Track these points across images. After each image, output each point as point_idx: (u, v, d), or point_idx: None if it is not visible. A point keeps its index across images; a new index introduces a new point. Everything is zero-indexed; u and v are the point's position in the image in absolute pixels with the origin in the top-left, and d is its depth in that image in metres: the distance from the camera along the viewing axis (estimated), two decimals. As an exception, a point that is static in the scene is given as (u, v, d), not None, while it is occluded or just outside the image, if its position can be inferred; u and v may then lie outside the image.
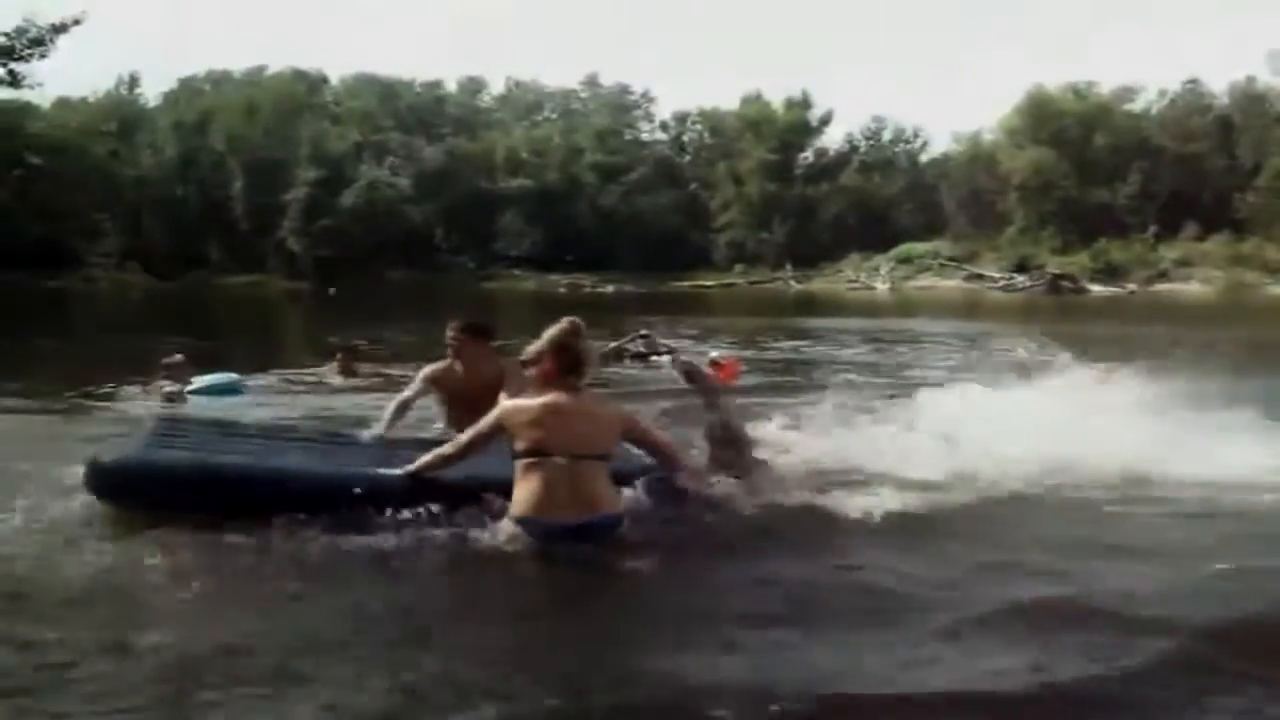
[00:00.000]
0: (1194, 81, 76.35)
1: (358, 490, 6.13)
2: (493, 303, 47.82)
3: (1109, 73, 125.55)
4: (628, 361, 18.96)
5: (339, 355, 15.49)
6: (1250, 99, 73.43)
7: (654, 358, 19.16)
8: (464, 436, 6.21)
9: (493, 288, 67.35)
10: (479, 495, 6.16)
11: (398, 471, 6.23)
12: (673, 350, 19.43)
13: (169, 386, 13.05)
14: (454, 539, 5.93)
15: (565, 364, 6.08)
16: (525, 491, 5.88)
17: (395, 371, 14.05)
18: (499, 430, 6.05)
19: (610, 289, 67.15)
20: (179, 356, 13.41)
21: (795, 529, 6.68)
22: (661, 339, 20.15)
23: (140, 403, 12.90)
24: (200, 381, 13.30)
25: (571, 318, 6.27)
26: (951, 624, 4.99)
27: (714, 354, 17.18)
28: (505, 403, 6.36)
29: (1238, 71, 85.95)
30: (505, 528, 5.92)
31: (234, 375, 13.91)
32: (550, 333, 6.16)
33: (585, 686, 4.35)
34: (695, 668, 4.56)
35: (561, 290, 66.73)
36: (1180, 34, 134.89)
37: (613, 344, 19.86)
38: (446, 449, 6.23)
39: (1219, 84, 76.43)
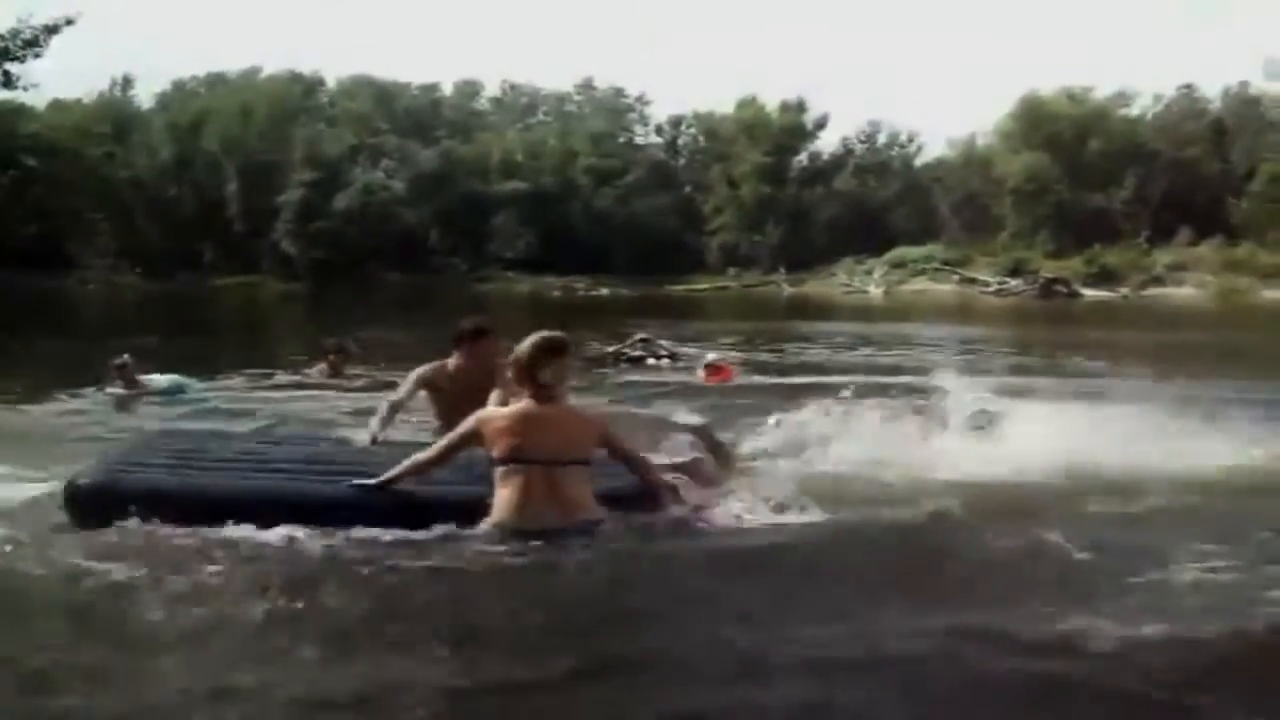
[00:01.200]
0: (1188, 86, 76.49)
1: (337, 504, 6.14)
2: (486, 305, 47.75)
3: (1104, 77, 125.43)
4: (623, 365, 19.00)
5: (328, 355, 15.40)
6: (1244, 104, 73.62)
7: (651, 361, 19.21)
8: (439, 444, 6.22)
9: (487, 290, 67.14)
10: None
11: (371, 482, 6.17)
12: (672, 354, 19.51)
13: (111, 388, 13.17)
14: (433, 546, 5.87)
15: (534, 379, 6.11)
16: (505, 497, 5.91)
17: (384, 374, 13.95)
18: (475, 437, 6.08)
19: (604, 292, 66.96)
20: (126, 357, 13.39)
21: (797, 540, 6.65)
22: (661, 342, 20.20)
23: (90, 402, 12.99)
24: (146, 382, 13.37)
25: (545, 334, 6.27)
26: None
27: (710, 357, 17.24)
28: (481, 411, 6.36)
29: (1232, 77, 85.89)
30: (485, 533, 5.91)
31: (180, 378, 13.93)
32: (521, 347, 6.19)
33: (572, 695, 4.33)
34: (678, 677, 4.57)
35: (555, 293, 66.58)
36: (1175, 38, 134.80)
37: (611, 348, 19.93)
38: (421, 456, 6.20)
39: (1213, 89, 76.76)
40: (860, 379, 16.98)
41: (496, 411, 6.18)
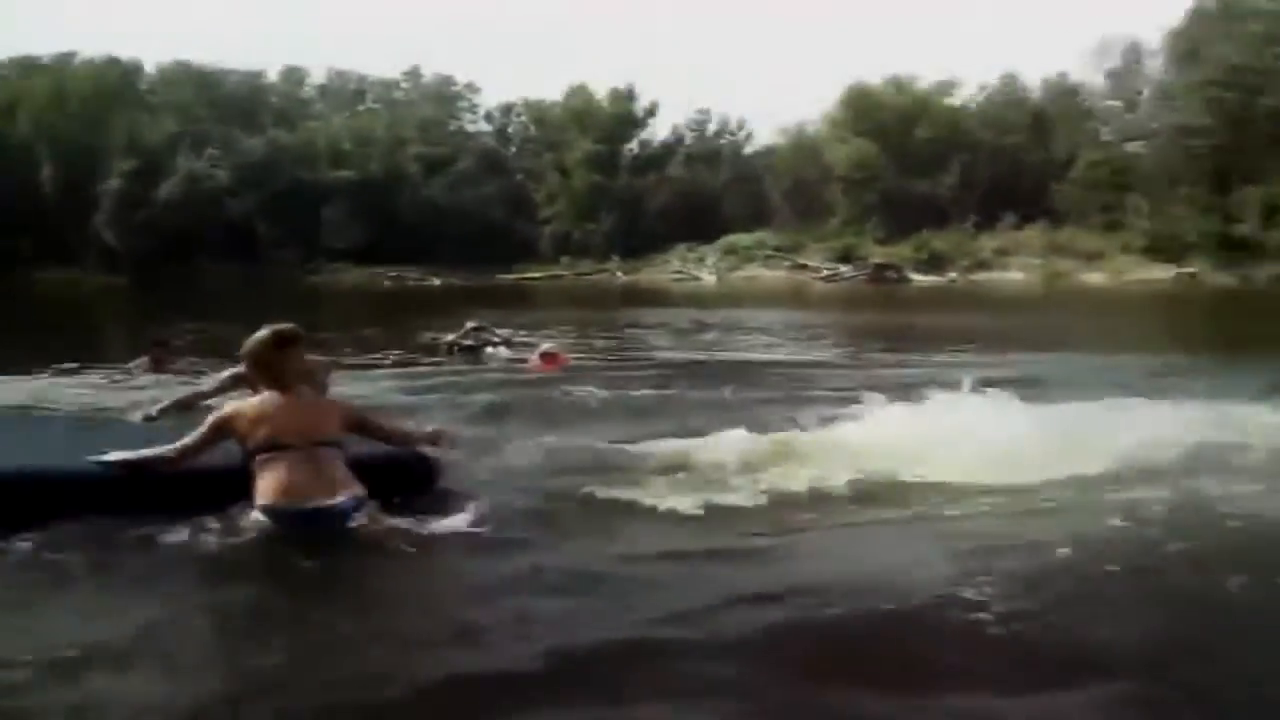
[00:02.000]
0: (1010, 76, 78.51)
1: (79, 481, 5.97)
2: (316, 297, 47.07)
3: (929, 66, 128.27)
4: (458, 354, 18.78)
5: (151, 349, 14.81)
6: (1064, 93, 75.70)
7: (488, 350, 19.01)
8: (180, 443, 6.12)
9: (317, 281, 66.16)
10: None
11: (109, 459, 5.98)
12: (507, 341, 19.36)
13: None
14: (196, 533, 5.76)
15: (268, 370, 6.28)
16: (268, 481, 5.89)
17: (210, 368, 13.46)
18: (218, 436, 6.09)
19: (436, 282, 66.49)
20: None
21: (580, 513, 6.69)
22: (496, 330, 20.02)
23: None
24: None
25: (273, 326, 6.36)
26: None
27: (544, 346, 17.09)
28: (223, 409, 6.35)
29: (1051, 67, 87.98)
30: (251, 518, 5.86)
31: None
32: (251, 340, 6.34)
33: (342, 679, 4.27)
34: (451, 656, 4.56)
35: (386, 283, 66.16)
36: (998, 29, 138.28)
37: (447, 339, 19.67)
38: (163, 451, 6.08)
39: (1034, 79, 78.79)
40: (691, 356, 17.10)
41: (240, 406, 6.22)
